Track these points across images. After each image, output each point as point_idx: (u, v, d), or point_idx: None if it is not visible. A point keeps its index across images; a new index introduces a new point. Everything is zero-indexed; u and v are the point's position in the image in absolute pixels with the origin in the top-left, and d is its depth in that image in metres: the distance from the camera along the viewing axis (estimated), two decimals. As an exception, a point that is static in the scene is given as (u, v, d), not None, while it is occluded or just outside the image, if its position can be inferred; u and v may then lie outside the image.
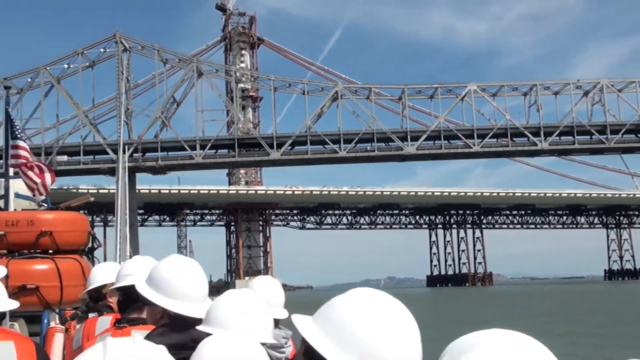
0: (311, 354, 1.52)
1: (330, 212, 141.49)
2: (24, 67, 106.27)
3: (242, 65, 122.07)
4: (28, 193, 8.30)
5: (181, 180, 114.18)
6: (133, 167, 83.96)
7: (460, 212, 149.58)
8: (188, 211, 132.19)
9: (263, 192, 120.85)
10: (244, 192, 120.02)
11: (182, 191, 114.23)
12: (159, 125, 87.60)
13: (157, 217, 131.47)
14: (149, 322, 3.36)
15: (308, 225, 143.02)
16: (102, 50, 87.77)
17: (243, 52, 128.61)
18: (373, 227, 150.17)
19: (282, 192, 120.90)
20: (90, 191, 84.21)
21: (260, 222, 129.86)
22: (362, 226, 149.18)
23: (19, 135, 8.87)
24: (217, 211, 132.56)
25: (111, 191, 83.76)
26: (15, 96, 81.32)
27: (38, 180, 8.28)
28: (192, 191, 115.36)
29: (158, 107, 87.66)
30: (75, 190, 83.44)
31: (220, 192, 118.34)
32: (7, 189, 8.04)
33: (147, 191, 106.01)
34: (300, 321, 1.60)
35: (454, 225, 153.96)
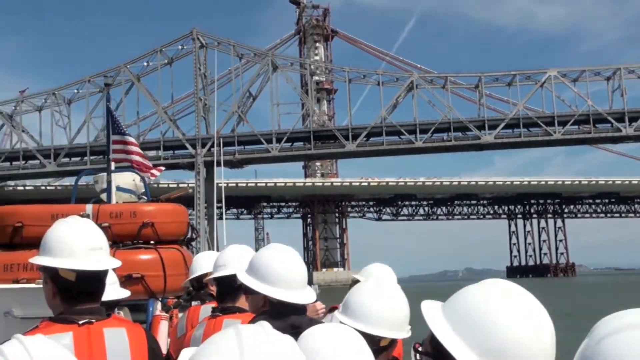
0: (436, 343, 1.49)
1: (407, 203, 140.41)
2: (106, 66, 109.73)
3: (317, 57, 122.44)
4: (129, 186, 8.60)
5: (258, 174, 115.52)
6: (211, 161, 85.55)
7: (541, 201, 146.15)
8: (265, 204, 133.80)
9: (339, 184, 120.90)
10: (320, 184, 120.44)
11: (259, 184, 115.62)
12: (236, 120, 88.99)
13: (234, 210, 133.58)
14: (250, 311, 3.38)
15: (384, 217, 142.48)
16: (179, 47, 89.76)
17: (317, 44, 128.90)
18: (450, 217, 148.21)
19: (358, 183, 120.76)
20: (170, 185, 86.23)
21: (337, 214, 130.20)
22: (439, 217, 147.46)
23: (121, 130, 9.23)
24: (294, 203, 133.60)
25: (190, 185, 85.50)
26: (98, 94, 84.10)
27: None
28: (268, 184, 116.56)
29: (234, 102, 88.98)
30: (156, 185, 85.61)
31: (297, 184, 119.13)
32: (109, 182, 8.34)
33: (225, 185, 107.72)
34: (429, 309, 1.56)
35: (534, 215, 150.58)
